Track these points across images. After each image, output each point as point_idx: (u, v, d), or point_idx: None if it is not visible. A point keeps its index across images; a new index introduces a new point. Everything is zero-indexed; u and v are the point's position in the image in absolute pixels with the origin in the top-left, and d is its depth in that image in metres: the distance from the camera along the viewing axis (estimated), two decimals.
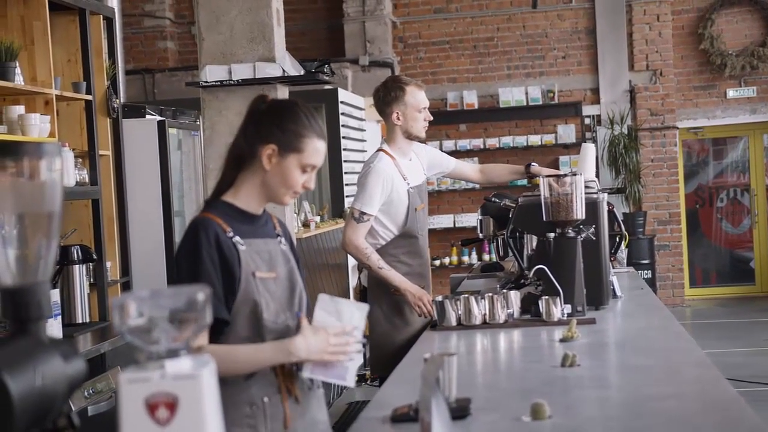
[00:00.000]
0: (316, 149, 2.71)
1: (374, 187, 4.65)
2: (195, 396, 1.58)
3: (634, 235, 11.78)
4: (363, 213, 4.65)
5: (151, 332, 1.61)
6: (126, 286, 5.57)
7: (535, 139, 12.19)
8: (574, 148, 11.93)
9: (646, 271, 11.70)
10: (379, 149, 4.83)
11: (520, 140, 12.22)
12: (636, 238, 11.75)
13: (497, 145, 12.23)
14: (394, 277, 4.65)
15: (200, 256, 2.62)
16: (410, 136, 4.82)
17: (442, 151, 11.78)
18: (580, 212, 4.25)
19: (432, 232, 12.39)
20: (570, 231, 4.26)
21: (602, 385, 2.99)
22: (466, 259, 12.06)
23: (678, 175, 12.48)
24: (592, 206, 4.39)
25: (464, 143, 12.29)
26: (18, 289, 1.58)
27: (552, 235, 4.26)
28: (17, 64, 4.62)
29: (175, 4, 12.84)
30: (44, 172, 1.63)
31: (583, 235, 4.29)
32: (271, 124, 2.70)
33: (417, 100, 4.81)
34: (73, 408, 1.68)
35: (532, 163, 5.15)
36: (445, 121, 12.40)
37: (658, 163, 12.33)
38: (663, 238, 12.32)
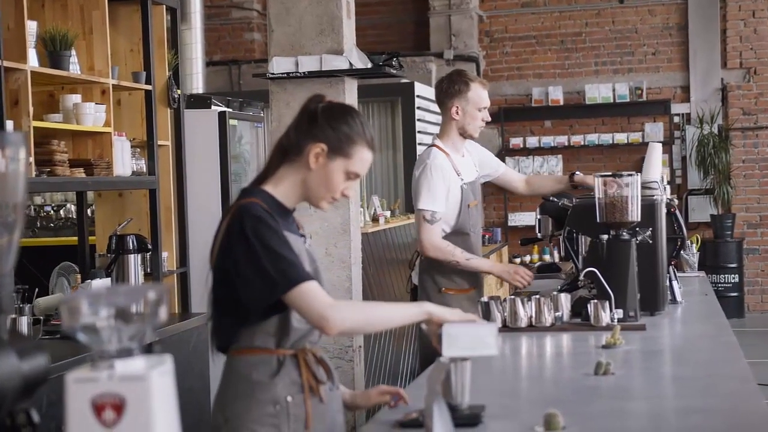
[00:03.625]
0: (363, 158, 2.68)
1: (436, 184, 4.58)
2: (142, 398, 1.53)
3: (722, 237, 11.46)
4: (434, 212, 4.58)
5: (101, 331, 1.56)
6: (183, 277, 5.58)
7: (621, 137, 11.92)
8: (662, 147, 11.61)
9: (733, 275, 11.37)
10: (432, 145, 4.75)
11: (606, 138, 11.97)
12: (723, 241, 11.42)
13: (582, 143, 12.01)
14: (483, 264, 4.78)
15: (271, 228, 2.55)
16: (464, 134, 4.73)
17: (526, 147, 11.85)
18: (635, 214, 4.10)
19: (513, 230, 12.25)
20: (624, 233, 4.11)
21: (630, 396, 2.85)
22: (547, 257, 11.86)
23: None
24: (649, 208, 4.23)
25: (548, 140, 12.09)
26: None
27: (605, 237, 4.12)
28: (73, 53, 4.64)
29: None
30: (6, 162, 1.60)
31: (639, 238, 4.14)
32: (325, 124, 2.66)
33: (480, 98, 4.72)
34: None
35: (576, 172, 5.02)
36: (529, 117, 12.23)
37: (749, 164, 11.96)
38: (753, 241, 11.94)
